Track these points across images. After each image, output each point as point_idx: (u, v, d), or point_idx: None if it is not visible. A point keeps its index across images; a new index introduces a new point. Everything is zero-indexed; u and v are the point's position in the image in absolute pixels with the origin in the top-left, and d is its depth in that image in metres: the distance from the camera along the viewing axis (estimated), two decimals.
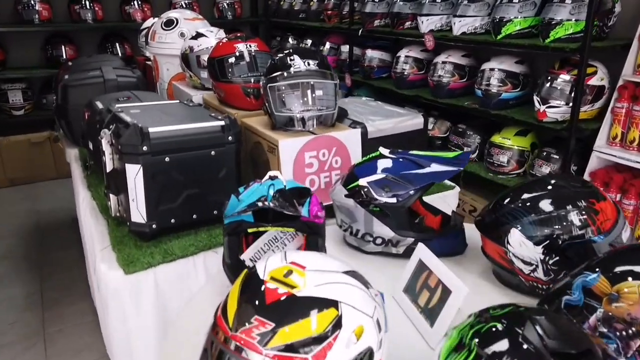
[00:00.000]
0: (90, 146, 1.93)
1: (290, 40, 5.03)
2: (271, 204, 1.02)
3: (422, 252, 1.15)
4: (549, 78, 2.39)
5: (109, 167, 1.52)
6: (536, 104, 2.41)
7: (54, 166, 4.58)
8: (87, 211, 1.76)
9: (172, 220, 1.47)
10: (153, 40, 2.66)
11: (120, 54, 4.65)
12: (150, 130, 1.37)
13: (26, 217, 3.79)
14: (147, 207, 1.41)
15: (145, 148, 1.36)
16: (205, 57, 2.30)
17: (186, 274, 1.40)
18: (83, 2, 4.43)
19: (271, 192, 1.11)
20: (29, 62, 4.65)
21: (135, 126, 1.37)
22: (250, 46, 1.92)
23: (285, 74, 1.57)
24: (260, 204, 1.03)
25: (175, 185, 1.44)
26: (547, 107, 2.35)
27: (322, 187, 1.62)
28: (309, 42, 4.71)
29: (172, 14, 2.68)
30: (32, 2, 4.23)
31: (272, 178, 1.18)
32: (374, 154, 1.41)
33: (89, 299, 2.66)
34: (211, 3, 5.23)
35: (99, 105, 1.98)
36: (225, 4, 5.09)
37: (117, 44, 4.67)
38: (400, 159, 1.37)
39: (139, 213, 1.41)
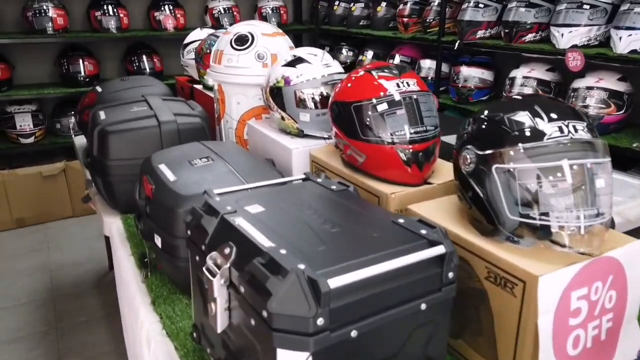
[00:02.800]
0: (159, 242, 1.26)
1: (344, 51, 4.37)
2: None
3: None
4: None
5: (221, 325, 0.85)
6: None
7: (70, 203, 3.94)
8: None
9: None
10: (218, 62, 1.99)
11: (148, 69, 4.00)
12: (332, 284, 0.69)
13: (39, 278, 3.12)
14: None
15: (321, 321, 0.69)
16: (307, 92, 1.63)
17: None
18: (105, 8, 3.78)
19: None
20: (40, 79, 4.01)
21: (298, 274, 0.69)
22: (407, 84, 1.24)
23: (530, 147, 0.89)
24: None
25: None
26: None
27: (587, 347, 0.94)
28: (370, 53, 4.05)
29: (244, 27, 2.01)
30: (45, 7, 3.59)
31: None
32: None
33: None
34: (252, 7, 4.57)
35: (167, 173, 1.31)
36: (269, 9, 4.43)
37: (144, 57, 4.01)
38: None
39: None
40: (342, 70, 1.70)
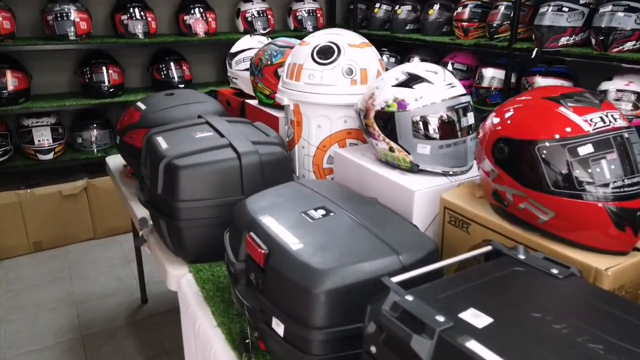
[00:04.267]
0: (280, 329, 0.95)
1: (385, 58, 4.06)
2: None
3: None
4: None
5: None
6: None
7: (91, 224, 3.63)
8: None
9: None
10: (296, 79, 1.69)
11: (176, 78, 3.69)
12: None
13: (64, 313, 2.81)
14: None
15: None
16: (429, 119, 1.33)
17: None
18: (132, 11, 3.48)
19: None
20: (59, 89, 3.70)
21: None
22: (612, 118, 0.94)
23: None
24: None
25: None
26: None
27: None
28: (416, 60, 3.75)
29: (325, 36, 1.71)
30: (67, 10, 3.28)
31: None
32: None
33: None
34: (286, 10, 4.27)
35: (283, 234, 1.01)
36: (304, 12, 4.13)
37: (172, 65, 3.70)
38: None
39: None
40: (465, 91, 1.40)
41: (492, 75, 3.12)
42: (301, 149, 1.76)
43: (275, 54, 2.12)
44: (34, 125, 3.40)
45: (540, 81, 2.78)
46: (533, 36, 2.74)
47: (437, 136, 1.33)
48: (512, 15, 2.87)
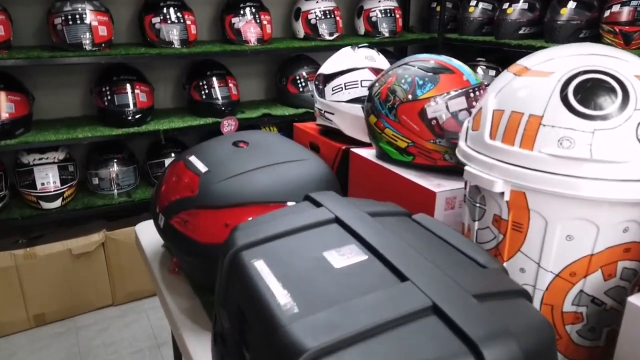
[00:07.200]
0: None
1: (480, 70, 3.24)
2: None
3: None
4: None
5: None
6: None
7: (109, 288, 2.87)
8: None
9: None
10: (521, 143, 0.87)
11: (220, 99, 2.90)
12: None
13: None
14: None
15: None
16: None
17: None
18: (166, 12, 2.70)
19: None
20: (69, 113, 2.95)
21: None
22: None
23: None
24: None
25: None
26: None
27: None
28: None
29: (582, 58, 0.90)
30: (81, 11, 2.52)
31: None
32: None
33: None
34: (354, 9, 3.46)
35: None
36: (379, 12, 3.31)
37: (214, 81, 2.91)
38: None
39: None
40: None
41: None
42: (519, 274, 0.95)
43: (420, 82, 1.31)
44: (37, 163, 2.63)
45: None
46: None
47: None
48: None
